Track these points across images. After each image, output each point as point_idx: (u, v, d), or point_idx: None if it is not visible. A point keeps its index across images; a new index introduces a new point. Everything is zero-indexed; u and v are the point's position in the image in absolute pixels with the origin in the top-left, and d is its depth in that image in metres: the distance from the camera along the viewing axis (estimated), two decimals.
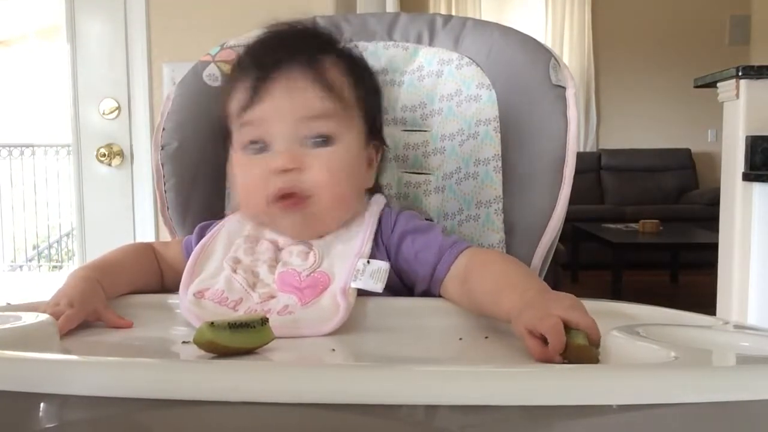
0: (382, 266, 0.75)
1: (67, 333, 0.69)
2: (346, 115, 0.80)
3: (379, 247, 0.80)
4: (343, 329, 0.70)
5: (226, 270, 0.77)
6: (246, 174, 0.80)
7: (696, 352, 0.52)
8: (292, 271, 0.76)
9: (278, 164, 0.76)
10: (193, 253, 0.81)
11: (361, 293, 0.74)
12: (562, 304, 0.59)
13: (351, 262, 0.76)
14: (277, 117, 0.77)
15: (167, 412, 0.44)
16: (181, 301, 0.75)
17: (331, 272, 0.76)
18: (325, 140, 0.78)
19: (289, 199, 0.77)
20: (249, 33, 0.93)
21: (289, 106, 0.77)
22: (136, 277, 0.84)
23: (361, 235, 0.79)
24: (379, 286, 0.74)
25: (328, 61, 0.80)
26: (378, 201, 0.85)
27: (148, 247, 0.90)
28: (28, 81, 5.69)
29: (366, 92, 0.84)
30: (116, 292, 0.79)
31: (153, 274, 0.87)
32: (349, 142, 0.80)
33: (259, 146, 0.78)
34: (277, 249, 0.80)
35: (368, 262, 0.75)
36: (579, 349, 0.54)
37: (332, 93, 0.78)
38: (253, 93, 0.77)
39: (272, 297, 0.74)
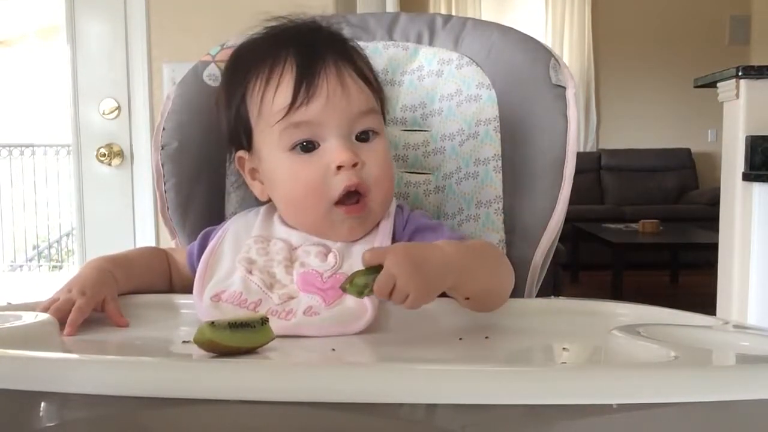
0: None
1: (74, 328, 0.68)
2: (379, 109, 0.81)
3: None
4: None
5: (241, 271, 0.76)
6: (299, 175, 0.77)
7: (696, 352, 0.52)
8: (313, 272, 0.75)
9: (344, 159, 0.75)
10: (203, 257, 0.80)
11: None
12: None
13: None
14: (333, 115, 0.75)
15: (167, 411, 0.44)
16: (198, 305, 0.74)
17: None
18: (369, 135, 0.78)
19: (353, 200, 0.76)
20: (249, 33, 0.93)
21: (345, 103, 0.76)
22: (147, 276, 0.84)
23: (380, 237, 0.79)
24: None
25: (354, 54, 0.80)
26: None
27: (161, 250, 0.91)
28: (28, 81, 5.70)
29: (380, 86, 0.84)
30: (128, 285, 0.79)
31: (163, 276, 0.87)
32: (386, 137, 0.81)
33: (310, 145, 0.77)
34: (291, 248, 0.79)
35: None
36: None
37: (371, 87, 0.79)
38: (303, 92, 0.75)
39: (292, 297, 0.73)
